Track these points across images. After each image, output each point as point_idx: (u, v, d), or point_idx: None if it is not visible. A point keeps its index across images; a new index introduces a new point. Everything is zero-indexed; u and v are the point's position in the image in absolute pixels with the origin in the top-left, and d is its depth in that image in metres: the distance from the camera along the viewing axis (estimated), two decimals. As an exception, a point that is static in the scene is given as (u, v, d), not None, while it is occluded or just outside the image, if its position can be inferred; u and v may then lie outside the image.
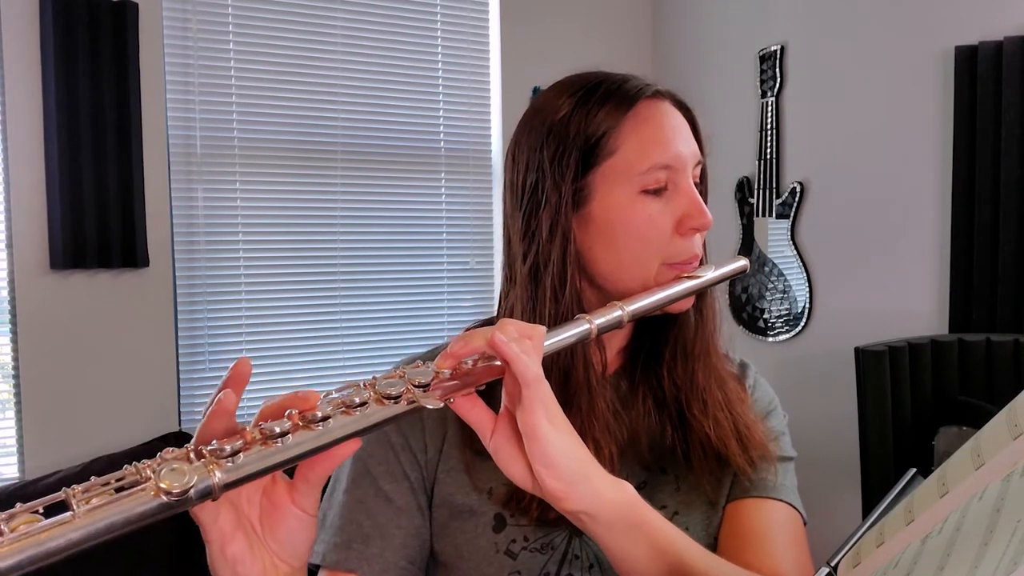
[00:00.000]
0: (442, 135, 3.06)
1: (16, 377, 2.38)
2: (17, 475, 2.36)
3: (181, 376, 2.59)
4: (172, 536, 2.20)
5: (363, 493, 0.76)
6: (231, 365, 0.53)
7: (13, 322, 2.37)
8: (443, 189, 3.07)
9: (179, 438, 2.44)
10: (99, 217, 2.36)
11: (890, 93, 2.53)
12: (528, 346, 0.58)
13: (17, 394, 2.37)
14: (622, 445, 0.76)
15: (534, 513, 0.72)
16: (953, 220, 2.34)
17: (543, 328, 0.61)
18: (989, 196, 2.25)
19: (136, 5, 2.41)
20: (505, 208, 0.80)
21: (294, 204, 2.80)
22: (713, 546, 0.77)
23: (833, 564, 0.57)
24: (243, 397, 0.54)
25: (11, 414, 2.38)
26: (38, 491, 2.19)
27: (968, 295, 2.31)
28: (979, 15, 2.29)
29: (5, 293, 2.36)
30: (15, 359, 2.38)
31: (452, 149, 3.08)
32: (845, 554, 0.57)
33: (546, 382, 0.59)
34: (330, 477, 0.80)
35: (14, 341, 2.37)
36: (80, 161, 2.32)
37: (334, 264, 2.88)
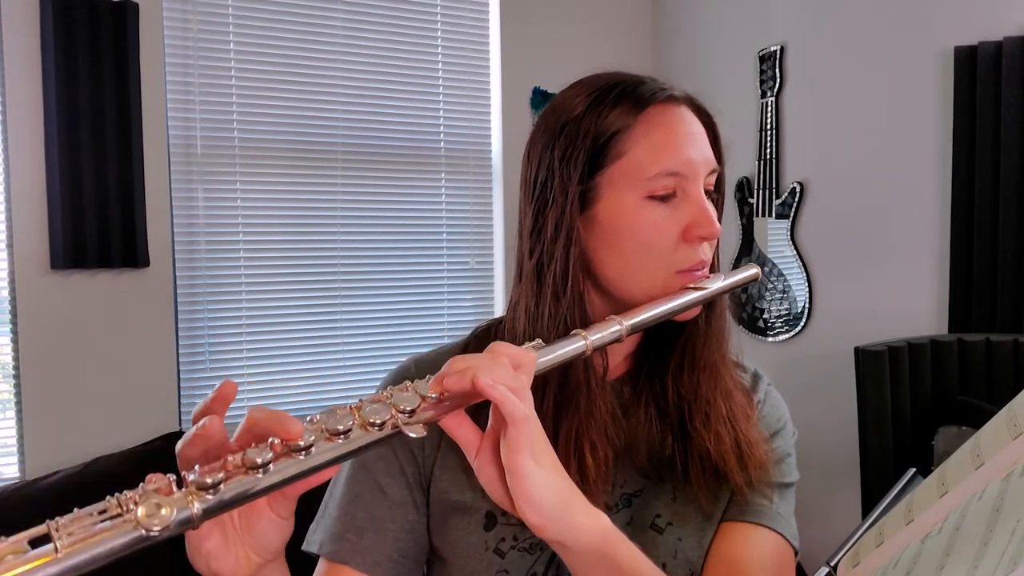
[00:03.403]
0: (442, 135, 3.06)
1: (16, 377, 2.38)
2: (17, 475, 2.36)
3: (181, 376, 2.59)
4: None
5: (361, 487, 0.77)
6: (227, 375, 0.54)
7: (13, 322, 2.37)
8: (443, 189, 3.07)
9: (179, 438, 2.44)
10: (99, 217, 2.36)
11: (890, 93, 2.53)
12: (521, 382, 0.59)
13: (17, 394, 2.37)
14: (619, 450, 0.76)
15: None
16: (953, 220, 2.34)
17: (534, 356, 0.61)
18: (989, 196, 2.25)
19: (136, 5, 2.41)
20: (519, 204, 0.80)
21: (294, 204, 2.80)
22: (705, 559, 0.77)
23: (833, 564, 0.57)
24: (237, 396, 0.55)
25: (11, 414, 2.38)
26: (38, 491, 2.19)
27: (968, 295, 2.31)
28: (979, 15, 2.28)
29: (5, 293, 2.36)
30: (15, 359, 2.38)
31: (452, 149, 3.08)
32: (845, 554, 0.57)
33: (535, 418, 0.59)
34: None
35: (14, 341, 2.37)
36: (80, 161, 2.32)
37: (334, 264, 2.88)
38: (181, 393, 2.59)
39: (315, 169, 2.83)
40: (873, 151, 2.58)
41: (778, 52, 2.85)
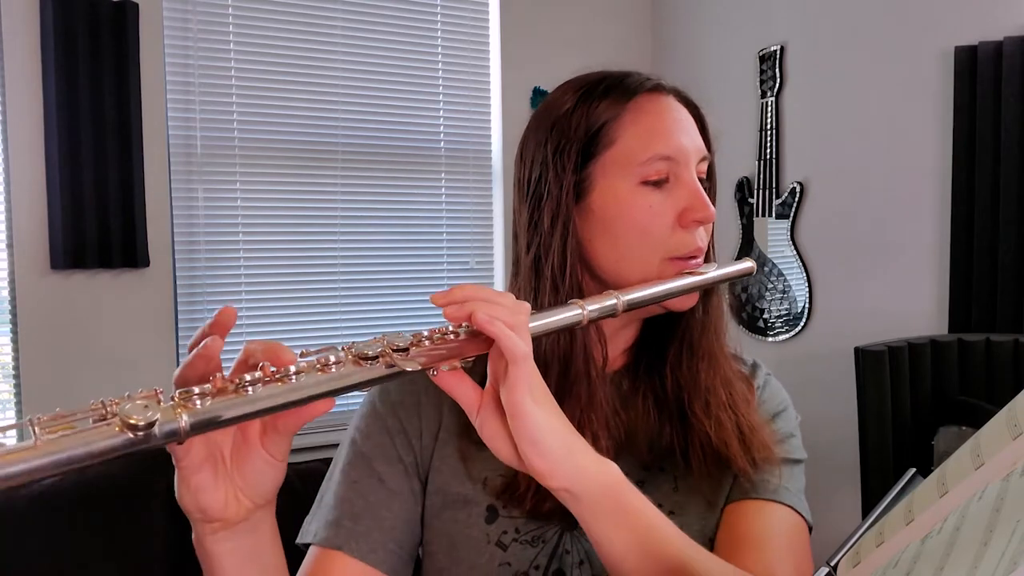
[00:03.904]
0: (442, 135, 3.06)
1: (16, 377, 2.38)
2: (17, 475, 2.37)
3: (181, 376, 2.59)
4: (169, 524, 2.19)
5: (358, 474, 0.76)
6: (238, 352, 0.53)
7: (13, 322, 2.37)
8: (443, 189, 3.07)
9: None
10: (99, 217, 2.36)
11: (890, 93, 2.53)
12: (519, 322, 0.58)
13: (17, 394, 2.37)
14: (620, 442, 0.76)
15: (527, 505, 0.72)
16: (953, 220, 2.34)
17: (527, 304, 0.61)
18: (989, 196, 2.25)
19: (136, 5, 2.41)
20: (513, 204, 0.81)
21: (294, 204, 2.80)
22: (709, 548, 0.75)
23: (833, 564, 0.57)
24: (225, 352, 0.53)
25: (11, 414, 2.38)
26: (37, 490, 2.19)
27: (968, 295, 2.31)
28: (979, 15, 2.29)
29: (5, 293, 2.36)
30: (15, 359, 2.38)
31: (452, 149, 3.08)
32: (845, 554, 0.57)
33: (532, 360, 0.59)
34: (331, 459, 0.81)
35: (14, 341, 2.37)
36: (80, 161, 2.32)
37: (334, 264, 2.88)
38: (181, 393, 2.59)
39: (315, 169, 2.83)
40: (873, 151, 2.58)
41: (778, 52, 2.85)
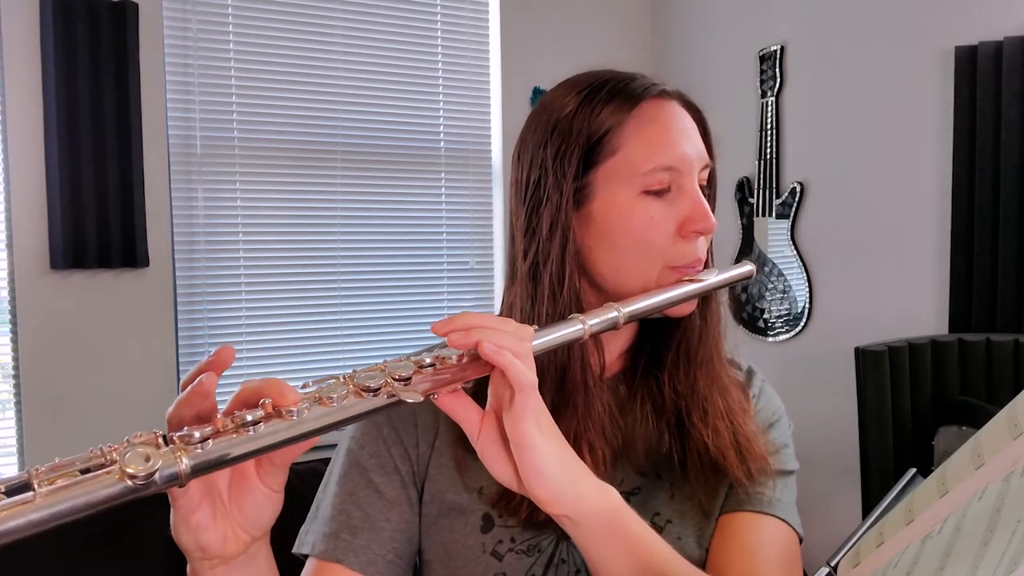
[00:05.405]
0: (442, 135, 3.06)
1: (16, 377, 2.38)
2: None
3: (181, 376, 2.59)
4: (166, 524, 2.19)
5: (354, 485, 0.76)
6: (227, 374, 0.53)
7: (13, 322, 2.37)
8: (443, 189, 3.07)
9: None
10: (99, 217, 2.36)
11: (890, 93, 2.53)
12: (525, 349, 0.58)
13: (17, 394, 2.37)
14: (617, 449, 0.75)
15: (523, 514, 0.72)
16: (953, 220, 2.34)
17: (531, 328, 0.61)
18: (989, 196, 2.25)
19: (136, 5, 2.41)
20: (510, 205, 0.79)
21: (294, 204, 2.80)
22: (705, 556, 0.76)
23: (833, 564, 0.57)
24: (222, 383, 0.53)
25: (11, 414, 2.38)
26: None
27: (968, 295, 2.31)
28: (979, 15, 2.29)
29: (5, 293, 2.36)
30: (15, 359, 2.38)
31: (452, 149, 3.08)
32: (845, 554, 0.57)
33: (537, 389, 0.58)
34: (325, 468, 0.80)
35: (14, 341, 2.37)
36: (80, 161, 2.32)
37: (334, 264, 2.88)
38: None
39: (315, 169, 2.83)
40: (873, 151, 2.58)
41: (778, 52, 2.85)
